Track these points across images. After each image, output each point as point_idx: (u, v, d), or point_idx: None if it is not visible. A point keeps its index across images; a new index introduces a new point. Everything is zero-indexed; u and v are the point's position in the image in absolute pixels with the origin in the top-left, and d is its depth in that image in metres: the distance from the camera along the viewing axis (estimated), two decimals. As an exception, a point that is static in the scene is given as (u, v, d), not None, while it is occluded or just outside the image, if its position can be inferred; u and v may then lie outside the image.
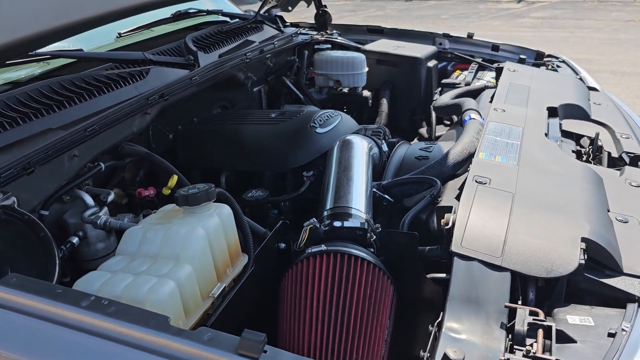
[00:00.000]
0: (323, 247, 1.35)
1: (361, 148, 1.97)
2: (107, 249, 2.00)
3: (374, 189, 1.83)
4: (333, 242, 1.43)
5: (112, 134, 2.02)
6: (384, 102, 3.15)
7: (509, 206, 1.43)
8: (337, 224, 1.45)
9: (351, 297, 1.28)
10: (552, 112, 2.18)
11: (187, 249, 1.32)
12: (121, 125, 2.04)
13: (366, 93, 3.18)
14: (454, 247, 1.30)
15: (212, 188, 1.44)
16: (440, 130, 2.96)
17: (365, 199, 1.67)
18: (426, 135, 3.01)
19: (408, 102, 3.23)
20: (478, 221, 1.37)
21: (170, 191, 2.12)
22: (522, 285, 1.28)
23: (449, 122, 3.01)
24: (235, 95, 2.91)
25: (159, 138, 2.66)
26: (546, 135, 1.94)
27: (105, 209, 1.97)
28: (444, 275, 1.38)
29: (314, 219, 1.46)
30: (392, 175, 2.06)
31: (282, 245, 1.49)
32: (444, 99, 2.72)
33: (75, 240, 1.89)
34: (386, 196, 1.84)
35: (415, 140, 3.08)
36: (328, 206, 1.62)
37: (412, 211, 1.63)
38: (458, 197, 1.63)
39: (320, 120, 2.23)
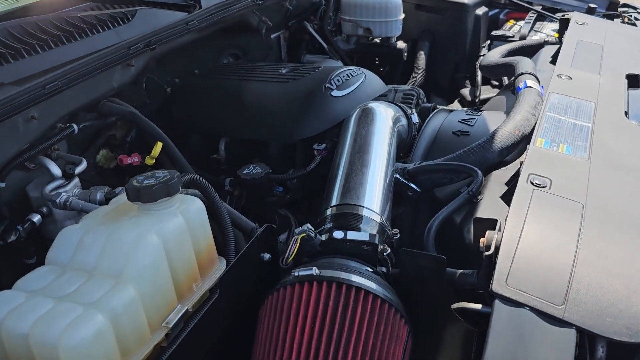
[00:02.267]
0: (314, 271, 0.99)
1: (384, 120, 1.57)
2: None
3: (397, 175, 1.45)
4: (331, 257, 1.07)
5: (83, 91, 1.67)
6: (422, 56, 2.70)
7: (578, 224, 1.03)
8: (338, 234, 1.08)
9: (347, 343, 0.93)
10: (633, 81, 1.72)
11: (133, 264, 0.98)
12: (94, 81, 1.68)
13: (401, 44, 2.72)
14: (497, 286, 0.92)
15: (174, 178, 1.08)
16: (486, 92, 2.50)
17: (382, 193, 1.29)
18: (469, 98, 2.56)
19: (450, 56, 2.77)
20: (532, 248, 0.98)
21: (154, 161, 1.79)
22: (590, 345, 0.90)
23: (497, 83, 2.55)
24: (248, 42, 2.50)
25: (155, 92, 2.31)
26: (626, 114, 1.50)
27: (76, 181, 1.65)
28: (479, 307, 1.01)
29: (308, 225, 1.09)
30: (421, 155, 1.66)
31: (267, 256, 1.14)
32: (493, 55, 2.25)
33: (36, 218, 1.58)
34: (412, 185, 1.45)
35: (456, 103, 2.64)
36: (333, 202, 1.25)
37: (441, 214, 1.24)
38: (505, 197, 1.24)
39: (338, 80, 1.82)
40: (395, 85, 2.14)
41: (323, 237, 1.10)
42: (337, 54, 2.68)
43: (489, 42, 2.68)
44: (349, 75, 1.87)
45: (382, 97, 1.96)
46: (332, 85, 1.80)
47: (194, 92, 2.04)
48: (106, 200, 1.60)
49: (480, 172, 1.33)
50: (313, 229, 1.08)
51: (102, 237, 1.03)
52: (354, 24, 2.67)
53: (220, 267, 1.20)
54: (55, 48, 1.64)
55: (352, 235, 1.07)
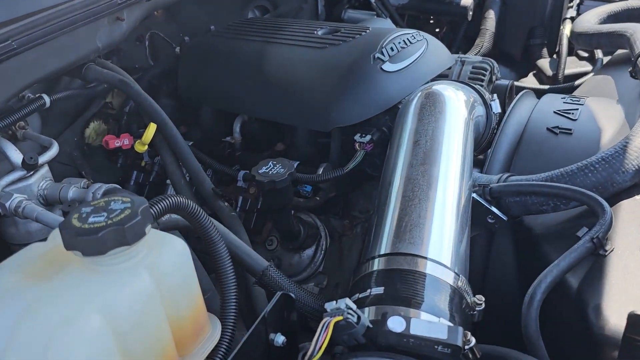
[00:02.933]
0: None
1: (457, 111, 1.12)
2: (46, 230, 1.32)
3: (476, 195, 1.01)
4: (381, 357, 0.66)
5: (54, 53, 1.26)
6: (491, 16, 2.19)
7: None
8: (396, 323, 0.65)
9: None
10: None
11: (55, 367, 0.59)
12: (69, 39, 1.27)
13: (466, 1, 2.21)
14: None
15: (137, 215, 0.67)
16: (572, 65, 2.00)
17: (455, 232, 0.86)
18: (549, 72, 2.06)
19: (525, 18, 2.25)
20: None
21: (146, 148, 1.38)
22: None
23: (586, 54, 2.04)
24: (278, -8, 2.05)
25: (162, 51, 1.88)
26: None
27: (43, 171, 1.27)
28: None
29: (346, 301, 0.67)
30: (503, 160, 1.22)
31: (280, 339, 0.73)
32: (589, 20, 1.75)
33: (-15, 219, 1.21)
34: (495, 210, 1.02)
35: (530, 77, 2.14)
36: (382, 247, 0.82)
37: (549, 274, 0.81)
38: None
39: (392, 49, 1.36)
40: (461, 55, 1.66)
41: (368, 319, 0.68)
42: (386, 10, 2.19)
43: (578, 0, 2.15)
44: (407, 41, 1.40)
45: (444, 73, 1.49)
46: (383, 55, 1.34)
47: (205, 55, 1.60)
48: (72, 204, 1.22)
49: (607, 207, 0.88)
50: (354, 311, 0.66)
51: (13, 313, 0.63)
52: (410, -26, 2.17)
53: (212, 336, 0.80)
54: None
55: (419, 327, 0.65)
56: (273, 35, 1.55)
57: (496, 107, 1.27)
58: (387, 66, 1.32)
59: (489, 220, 1.03)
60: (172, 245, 0.75)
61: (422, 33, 1.48)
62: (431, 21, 2.40)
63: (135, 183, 1.56)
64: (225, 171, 1.46)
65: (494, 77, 1.62)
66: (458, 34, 2.25)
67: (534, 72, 2.13)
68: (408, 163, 0.96)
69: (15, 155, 1.25)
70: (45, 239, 1.28)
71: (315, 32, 1.51)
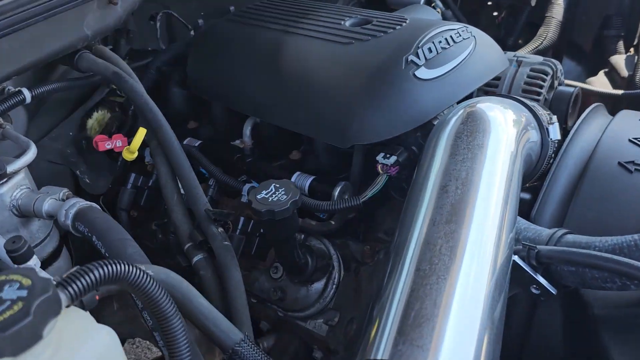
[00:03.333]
0: None
1: (501, 144, 0.88)
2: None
3: (517, 259, 0.78)
4: None
5: (30, 43, 1.08)
6: (559, 2, 1.87)
7: None
8: None
9: None
10: None
11: None
12: (49, 27, 1.09)
13: (530, -17, 1.91)
14: None
15: (29, 316, 0.48)
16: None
17: (483, 327, 0.64)
18: (625, 71, 1.74)
19: (599, 4, 1.92)
20: None
21: (135, 156, 1.20)
22: None
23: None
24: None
25: (176, 33, 1.69)
26: None
27: (16, 179, 1.11)
28: None
29: None
30: (559, 202, 0.97)
31: None
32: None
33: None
34: (541, 280, 0.79)
35: (600, 77, 1.83)
36: (380, 350, 0.61)
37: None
38: None
39: (430, 50, 1.11)
40: (518, 54, 1.39)
41: None
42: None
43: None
44: (450, 40, 1.15)
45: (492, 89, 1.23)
46: (418, 57, 1.09)
47: (217, 43, 1.40)
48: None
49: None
50: None
51: None
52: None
53: None
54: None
55: None
56: (295, 22, 1.33)
57: (554, 132, 1.01)
58: (422, 72, 1.08)
59: (533, 291, 0.80)
60: (94, 341, 0.56)
61: (470, 28, 1.22)
62: (489, 2, 2.11)
63: (133, 186, 1.39)
64: (229, 183, 1.27)
65: (556, 82, 1.35)
66: (519, 21, 1.95)
67: (606, 70, 1.82)
68: (430, 219, 0.74)
69: (-16, 157, 1.10)
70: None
71: (343, 21, 1.28)
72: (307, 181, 1.22)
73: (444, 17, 1.94)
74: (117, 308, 1.62)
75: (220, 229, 1.10)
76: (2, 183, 1.10)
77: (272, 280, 1.22)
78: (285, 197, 1.01)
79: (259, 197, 1.03)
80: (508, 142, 0.89)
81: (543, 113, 1.03)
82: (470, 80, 1.14)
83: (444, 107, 1.09)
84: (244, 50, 1.32)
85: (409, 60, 1.08)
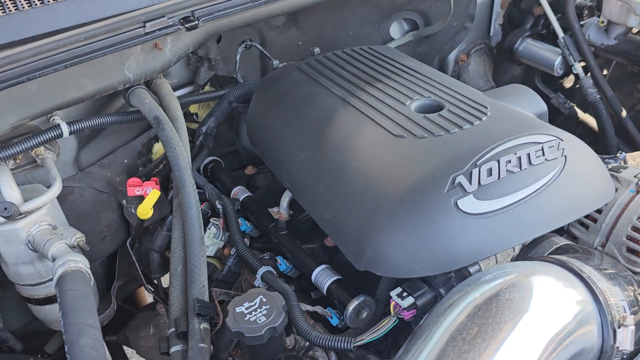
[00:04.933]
0: None
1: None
2: (38, 275, 1.17)
3: None
4: None
5: (68, 83, 1.04)
6: None
7: None
8: None
9: None
10: None
11: None
12: (89, 69, 1.04)
13: None
14: None
15: None
16: None
17: None
18: None
19: None
20: None
21: (149, 216, 1.11)
22: None
23: None
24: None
25: (252, 68, 1.56)
26: None
27: (40, 213, 1.09)
28: None
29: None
30: None
31: None
32: None
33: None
34: None
35: None
36: None
37: None
38: None
39: (491, 172, 0.85)
40: (643, 174, 1.05)
41: None
42: (579, 49, 1.55)
43: None
44: (523, 160, 0.87)
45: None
46: (470, 181, 0.84)
47: (276, 93, 1.26)
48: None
49: None
50: None
51: None
52: (628, 5, 1.48)
53: None
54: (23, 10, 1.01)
55: None
56: (363, 87, 1.13)
57: (624, 340, 0.71)
58: (468, 203, 0.83)
59: None
60: None
61: (566, 142, 0.93)
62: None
63: (169, 229, 1.32)
64: (246, 259, 1.14)
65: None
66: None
67: None
68: None
69: (9, 192, 1.09)
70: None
71: (408, 102, 1.05)
72: (328, 281, 1.04)
73: (582, 86, 1.58)
74: (152, 333, 1.60)
75: (204, 325, 0.97)
76: (19, 219, 1.09)
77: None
78: (264, 319, 0.86)
79: (237, 309, 0.89)
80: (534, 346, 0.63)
81: (617, 304, 0.73)
82: (541, 220, 0.86)
83: (490, 253, 0.83)
84: (297, 112, 1.16)
85: (456, 182, 0.84)
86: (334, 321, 1.03)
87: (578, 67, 1.54)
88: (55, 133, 1.12)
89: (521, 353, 0.63)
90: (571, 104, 1.68)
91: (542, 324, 0.67)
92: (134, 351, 1.95)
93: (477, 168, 0.85)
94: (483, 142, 0.90)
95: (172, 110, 1.21)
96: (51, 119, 1.15)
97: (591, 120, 1.68)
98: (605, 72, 1.75)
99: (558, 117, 1.77)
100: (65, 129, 1.13)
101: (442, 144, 0.92)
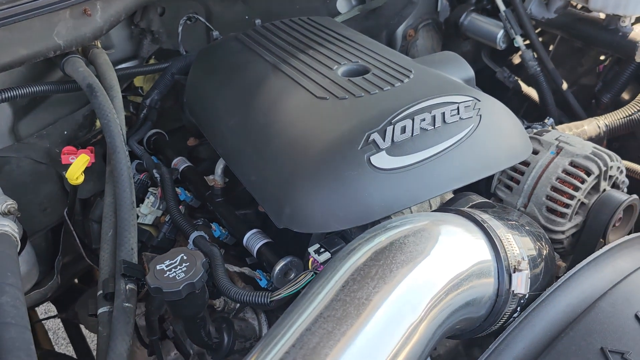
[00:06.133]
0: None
1: (406, 302, 0.64)
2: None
3: None
4: None
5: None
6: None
7: None
8: None
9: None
10: None
11: None
12: (16, 33, 1.03)
13: (636, 34, 1.48)
14: None
15: None
16: None
17: None
18: None
19: None
20: None
21: (79, 181, 1.11)
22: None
23: None
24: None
25: (198, 42, 1.56)
26: None
27: None
28: None
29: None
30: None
31: None
32: None
33: None
34: None
35: None
36: None
37: None
38: None
39: (404, 130, 0.87)
40: (564, 137, 1.08)
41: None
42: (520, 23, 1.58)
43: None
44: (437, 118, 0.90)
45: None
46: (383, 138, 0.86)
47: (212, 64, 1.26)
48: None
49: None
50: None
51: None
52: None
53: None
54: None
55: None
56: (294, 54, 1.14)
57: (518, 284, 0.73)
58: (380, 159, 0.85)
59: None
60: None
61: (483, 103, 0.95)
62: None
63: (110, 200, 1.32)
64: (179, 224, 1.14)
65: (605, 184, 1.03)
66: (622, 75, 1.55)
67: None
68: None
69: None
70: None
71: (336, 67, 1.07)
72: (258, 244, 1.06)
73: (523, 59, 1.61)
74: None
75: (130, 286, 0.98)
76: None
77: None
78: (183, 275, 0.87)
79: (158, 267, 0.89)
80: (420, 294, 0.65)
81: (515, 251, 0.75)
82: (452, 175, 0.88)
83: (402, 206, 0.85)
84: (231, 80, 1.17)
85: (370, 139, 0.86)
86: (263, 282, 1.04)
87: (519, 40, 1.57)
88: (-9, 98, 1.12)
89: (411, 294, 0.65)
90: (515, 77, 1.71)
91: (436, 269, 0.69)
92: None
93: (392, 126, 0.87)
94: (401, 102, 0.92)
95: (107, 79, 1.21)
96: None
97: (535, 95, 1.71)
98: (551, 48, 1.79)
99: (506, 93, 1.80)
100: (-4, 93, 1.12)
101: (361, 105, 0.94)
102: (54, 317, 1.87)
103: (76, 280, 1.83)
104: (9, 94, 1.14)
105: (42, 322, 1.89)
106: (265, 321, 1.06)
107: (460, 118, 0.91)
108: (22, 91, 1.16)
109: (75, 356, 1.94)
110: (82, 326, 1.92)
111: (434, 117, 0.89)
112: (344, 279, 0.67)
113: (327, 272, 0.69)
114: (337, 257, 0.72)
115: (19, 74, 1.25)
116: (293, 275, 1.00)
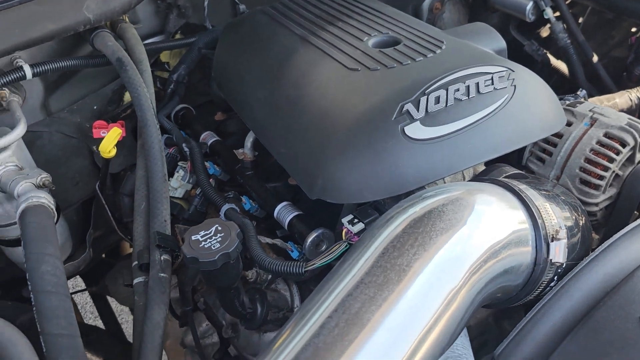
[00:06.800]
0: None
1: (447, 269, 0.65)
2: (7, 216, 1.19)
3: None
4: None
5: (25, 23, 1.05)
6: None
7: None
8: None
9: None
10: None
11: None
12: (46, 7, 1.04)
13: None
14: None
15: None
16: None
17: None
18: None
19: None
20: None
21: (112, 154, 1.13)
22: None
23: None
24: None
25: (225, 16, 1.56)
26: None
27: (6, 154, 1.11)
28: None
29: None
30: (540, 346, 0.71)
31: None
32: None
33: None
34: None
35: None
36: None
37: None
38: None
39: (438, 100, 0.87)
40: (599, 108, 1.07)
41: None
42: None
43: None
44: (471, 89, 0.89)
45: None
46: (417, 109, 0.86)
47: (241, 37, 1.26)
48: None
49: None
50: None
51: None
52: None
53: None
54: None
55: None
56: (322, 26, 1.14)
57: (556, 253, 0.73)
58: (414, 129, 0.85)
59: None
60: None
61: (517, 73, 0.94)
62: (634, 32, 1.67)
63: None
64: (210, 197, 1.16)
65: (638, 157, 1.01)
66: (656, 47, 1.52)
67: None
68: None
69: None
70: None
71: (367, 38, 1.06)
72: (289, 216, 1.07)
73: (553, 31, 1.58)
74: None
75: (164, 257, 1.00)
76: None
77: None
78: (218, 246, 0.88)
79: (193, 237, 0.90)
80: (460, 262, 0.66)
81: (553, 220, 0.75)
82: (487, 146, 0.87)
83: (436, 177, 0.85)
84: (259, 53, 1.17)
85: (404, 109, 0.86)
86: (294, 254, 1.05)
87: (549, 11, 1.53)
88: (18, 75, 1.13)
89: (451, 261, 0.65)
90: (544, 50, 1.68)
91: (475, 236, 0.69)
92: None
93: (426, 96, 0.87)
94: (434, 72, 0.91)
95: (136, 53, 1.22)
96: (15, 61, 1.16)
97: (564, 68, 1.68)
98: (581, 20, 1.75)
99: (534, 67, 1.77)
100: (28, 70, 1.14)
101: (394, 76, 0.93)
102: (83, 290, 1.90)
103: (103, 255, 1.86)
104: (41, 68, 1.15)
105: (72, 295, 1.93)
106: (297, 292, 1.07)
107: (494, 88, 0.90)
108: (54, 65, 1.17)
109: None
110: (110, 300, 1.96)
111: (468, 88, 0.88)
112: (383, 246, 0.67)
113: (365, 241, 0.70)
114: (375, 225, 0.72)
115: (49, 49, 1.26)
116: (325, 246, 1.01)
